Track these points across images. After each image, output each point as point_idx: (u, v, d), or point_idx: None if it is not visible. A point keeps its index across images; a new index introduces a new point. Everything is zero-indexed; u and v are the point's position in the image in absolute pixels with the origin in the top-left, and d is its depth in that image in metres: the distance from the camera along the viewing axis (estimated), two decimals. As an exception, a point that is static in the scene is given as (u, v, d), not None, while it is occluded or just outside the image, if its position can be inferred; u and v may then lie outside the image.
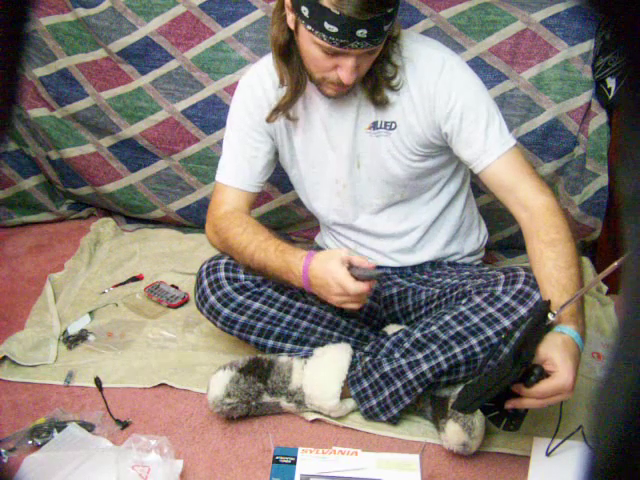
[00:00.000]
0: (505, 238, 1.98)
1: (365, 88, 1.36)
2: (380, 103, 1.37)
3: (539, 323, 1.16)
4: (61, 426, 1.38)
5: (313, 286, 1.32)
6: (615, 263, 1.05)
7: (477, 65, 1.77)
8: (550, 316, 1.16)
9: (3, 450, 1.33)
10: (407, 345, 1.37)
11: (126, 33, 1.99)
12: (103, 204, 2.23)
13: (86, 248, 2.05)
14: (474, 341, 1.32)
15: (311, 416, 1.43)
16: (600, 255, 1.92)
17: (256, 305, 1.45)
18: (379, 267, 1.57)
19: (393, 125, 1.39)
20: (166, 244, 2.11)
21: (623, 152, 0.41)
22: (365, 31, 1.19)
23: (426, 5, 1.84)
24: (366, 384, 1.40)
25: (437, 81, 1.34)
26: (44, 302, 1.79)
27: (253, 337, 1.47)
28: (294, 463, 1.23)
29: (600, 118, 1.80)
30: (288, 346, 1.47)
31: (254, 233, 1.40)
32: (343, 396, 1.40)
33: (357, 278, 1.27)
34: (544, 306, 1.19)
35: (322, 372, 1.40)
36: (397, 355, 1.38)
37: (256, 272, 1.43)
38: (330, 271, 1.28)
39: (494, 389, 1.12)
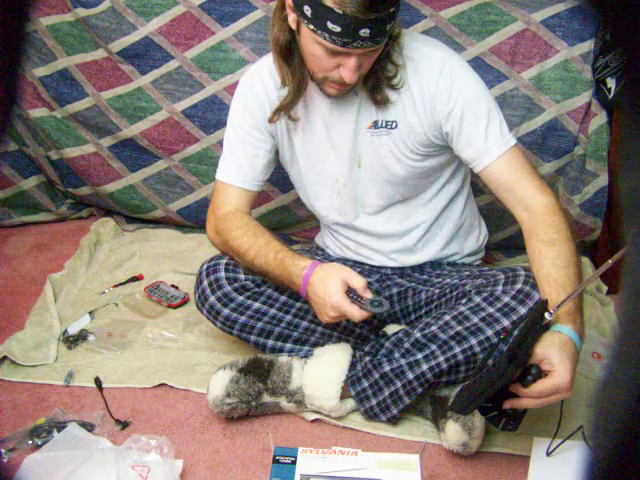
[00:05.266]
0: (505, 238, 1.98)
1: (366, 87, 1.36)
2: (381, 102, 1.37)
3: (536, 322, 1.15)
4: (61, 426, 1.38)
5: (310, 299, 1.33)
6: (610, 261, 1.05)
7: (477, 65, 1.77)
8: (547, 315, 1.16)
9: (3, 450, 1.33)
10: (407, 345, 1.37)
11: (126, 33, 1.99)
12: (103, 204, 2.23)
13: (86, 248, 2.05)
14: (474, 341, 1.32)
15: (311, 416, 1.43)
16: (600, 255, 1.92)
17: (256, 305, 1.45)
18: (379, 267, 1.57)
19: (394, 124, 1.39)
20: (166, 244, 2.11)
21: (624, 152, 0.41)
22: (368, 30, 1.19)
23: (426, 5, 1.84)
24: (366, 384, 1.40)
25: (438, 80, 1.34)
26: (44, 302, 1.79)
27: (253, 337, 1.47)
28: (294, 463, 1.23)
29: (600, 118, 1.80)
30: (288, 346, 1.48)
31: (254, 236, 1.40)
32: (343, 396, 1.40)
33: (352, 300, 1.26)
34: (541, 305, 1.19)
35: (322, 372, 1.40)
36: (397, 355, 1.38)
37: (257, 275, 1.43)
38: (330, 294, 1.27)
39: (490, 389, 1.12)
